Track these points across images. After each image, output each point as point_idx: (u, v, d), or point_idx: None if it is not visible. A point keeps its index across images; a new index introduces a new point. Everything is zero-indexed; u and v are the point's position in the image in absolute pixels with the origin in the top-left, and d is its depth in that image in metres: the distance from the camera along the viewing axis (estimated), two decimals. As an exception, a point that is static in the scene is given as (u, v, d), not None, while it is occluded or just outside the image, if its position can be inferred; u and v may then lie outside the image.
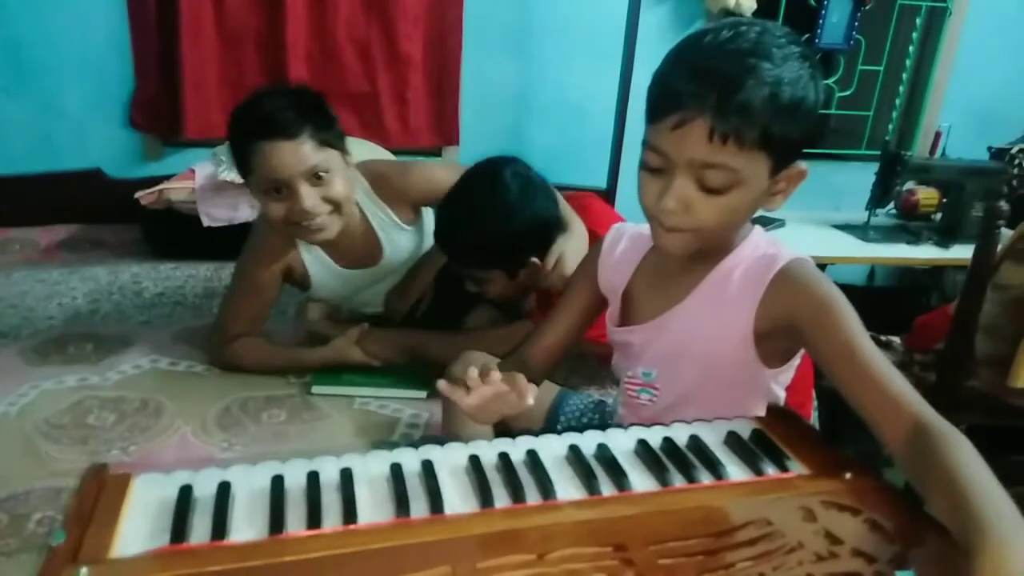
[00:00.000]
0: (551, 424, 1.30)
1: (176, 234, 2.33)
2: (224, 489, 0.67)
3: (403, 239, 1.72)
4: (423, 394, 1.56)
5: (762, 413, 0.97)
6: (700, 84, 0.79)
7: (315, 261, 1.66)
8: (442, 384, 0.89)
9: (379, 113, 2.79)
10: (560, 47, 2.82)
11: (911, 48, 3.08)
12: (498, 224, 1.42)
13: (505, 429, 1.25)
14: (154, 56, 2.57)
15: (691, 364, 0.99)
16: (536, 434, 0.82)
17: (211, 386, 1.57)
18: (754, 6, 2.72)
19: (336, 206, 1.49)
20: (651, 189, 0.87)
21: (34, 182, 2.60)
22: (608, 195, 2.54)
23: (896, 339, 2.14)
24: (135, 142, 2.70)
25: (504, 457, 0.76)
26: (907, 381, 0.79)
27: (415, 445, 0.78)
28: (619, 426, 0.95)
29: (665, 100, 0.82)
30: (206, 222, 2.26)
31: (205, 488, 0.68)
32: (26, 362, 1.63)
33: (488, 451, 0.78)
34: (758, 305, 0.91)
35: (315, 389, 1.55)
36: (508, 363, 1.08)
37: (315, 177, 1.43)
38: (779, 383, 1.01)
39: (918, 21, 3.04)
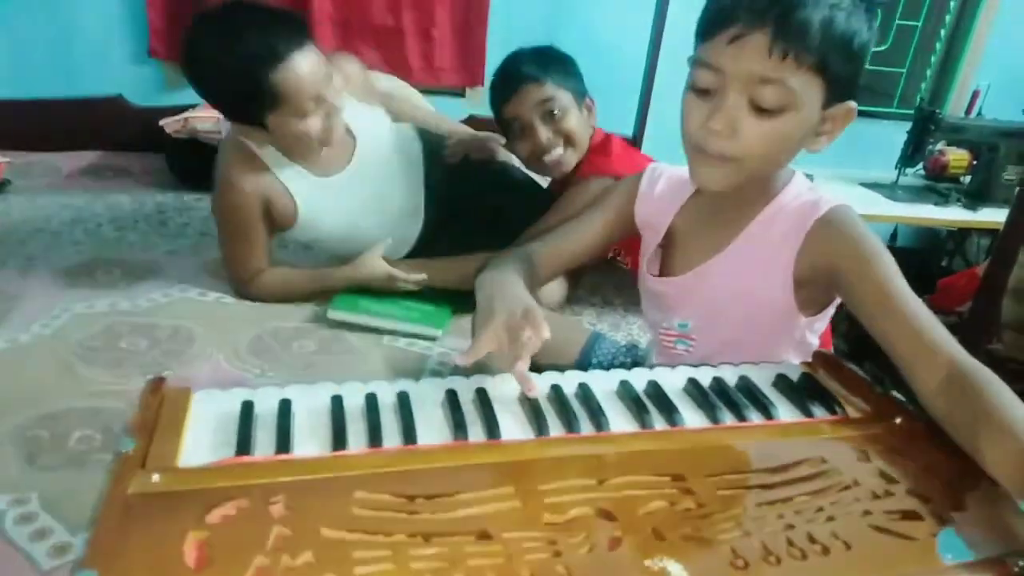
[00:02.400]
0: (583, 365, 1.31)
1: (201, 164, 2.31)
2: (285, 406, 0.68)
3: (367, 114, 1.71)
4: (438, 332, 1.56)
5: (796, 361, 0.98)
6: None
7: (294, 177, 1.59)
8: (459, 358, 0.80)
9: (402, 49, 2.74)
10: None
11: (952, 3, 2.99)
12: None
13: (536, 369, 1.25)
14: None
15: (730, 315, 0.98)
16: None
17: (241, 316, 1.58)
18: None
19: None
20: (698, 111, 0.84)
21: (55, 107, 2.57)
22: (635, 142, 2.50)
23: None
24: (157, 70, 2.66)
25: (556, 389, 0.77)
26: (940, 324, 0.78)
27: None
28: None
29: (723, 13, 0.81)
30: (231, 153, 2.23)
31: (265, 404, 0.68)
32: (56, 286, 1.64)
33: (540, 383, 0.78)
34: (798, 252, 0.90)
35: (331, 314, 1.56)
36: (514, 256, 1.02)
37: None
38: (813, 331, 1.00)
39: (961, -25, 2.95)
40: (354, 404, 0.70)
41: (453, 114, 2.80)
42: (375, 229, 1.69)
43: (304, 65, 1.42)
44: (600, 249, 1.13)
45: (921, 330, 0.77)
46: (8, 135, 2.40)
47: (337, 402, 0.69)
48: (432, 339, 1.55)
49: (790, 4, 0.77)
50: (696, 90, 0.85)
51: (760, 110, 0.81)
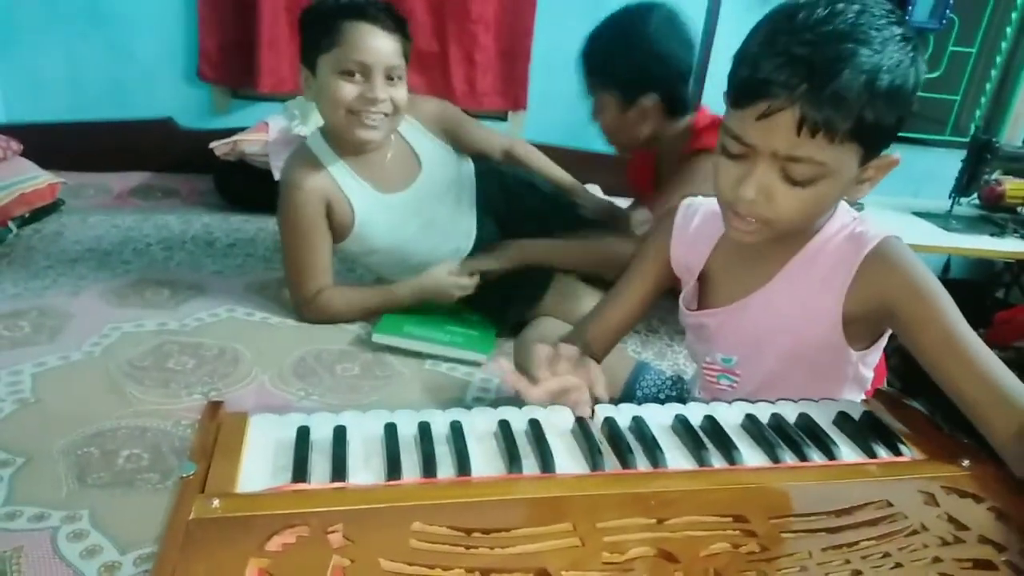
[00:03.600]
0: (628, 397, 1.29)
1: (248, 186, 2.36)
2: (340, 433, 0.68)
3: (437, 150, 1.74)
4: (483, 357, 1.55)
5: (850, 397, 0.95)
6: (791, 71, 0.73)
7: (355, 187, 1.62)
8: (509, 376, 0.81)
9: (447, 73, 2.77)
10: (636, 15, 2.75)
11: (1008, 30, 2.93)
12: (629, 41, 1.56)
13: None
14: (224, 10, 2.58)
15: (774, 350, 0.95)
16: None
17: (286, 337, 1.59)
18: (843, -21, 2.61)
19: (394, 111, 1.56)
20: (730, 175, 0.82)
21: (106, 128, 2.64)
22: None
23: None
24: (204, 93, 2.73)
25: (610, 422, 0.75)
26: (1012, 373, 0.75)
27: (494, 406, 0.77)
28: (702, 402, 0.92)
29: (751, 86, 0.77)
30: (278, 175, 2.27)
31: (320, 431, 0.68)
32: (107, 304, 1.67)
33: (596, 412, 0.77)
34: (848, 288, 0.87)
35: (376, 337, 1.56)
36: (569, 342, 1.03)
37: (389, 78, 1.53)
38: (866, 364, 0.97)
39: (1018, 2, 2.89)
40: (407, 433, 0.70)
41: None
42: (423, 253, 1.71)
43: (374, 34, 1.50)
44: (650, 305, 1.11)
45: (991, 376, 0.75)
46: (63, 156, 2.47)
47: (391, 430, 0.69)
48: (478, 364, 1.55)
49: (823, 77, 0.73)
50: (727, 154, 0.82)
51: (793, 181, 0.79)
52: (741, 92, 0.79)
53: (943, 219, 2.34)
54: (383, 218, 1.65)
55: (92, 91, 2.63)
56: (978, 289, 2.85)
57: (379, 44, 1.50)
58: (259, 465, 0.63)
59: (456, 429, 0.71)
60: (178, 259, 1.98)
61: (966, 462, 0.72)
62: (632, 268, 1.09)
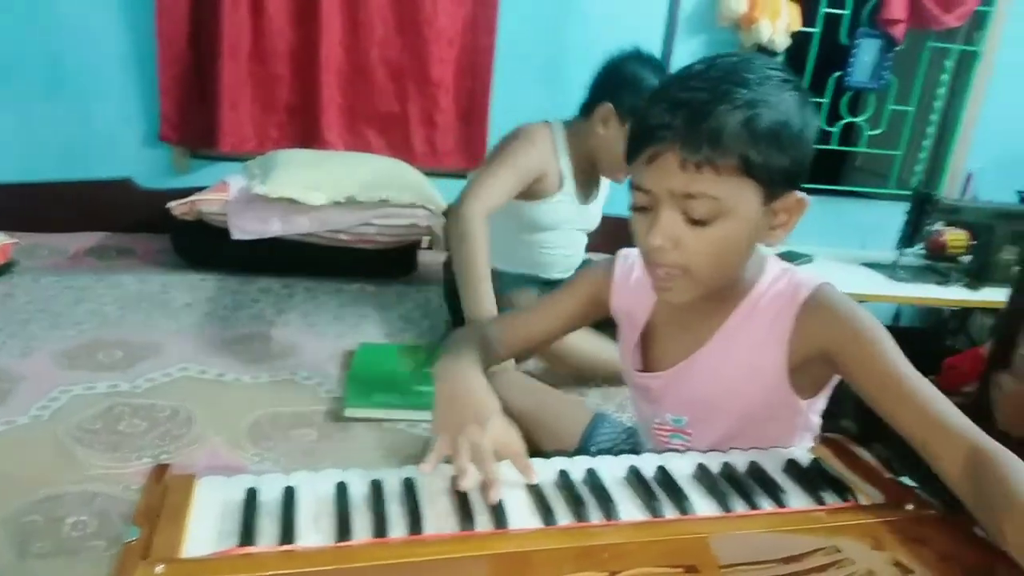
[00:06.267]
0: (584, 448, 1.28)
1: (206, 246, 2.35)
2: (290, 494, 0.67)
3: (604, 192, 2.02)
4: None
5: (802, 444, 0.96)
6: (672, 114, 0.77)
7: (567, 181, 1.86)
8: (424, 467, 0.75)
9: (407, 134, 2.82)
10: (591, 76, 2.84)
11: (941, 90, 3.09)
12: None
13: (536, 451, 1.24)
14: (184, 71, 2.61)
15: (724, 408, 0.95)
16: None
17: (240, 397, 1.57)
18: (787, 42, 2.74)
19: None
20: (641, 228, 0.84)
21: (63, 189, 2.63)
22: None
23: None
24: (163, 154, 2.73)
25: (564, 475, 0.76)
26: (954, 406, 0.76)
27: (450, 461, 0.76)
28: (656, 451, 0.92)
29: (640, 135, 0.81)
30: (236, 235, 2.27)
31: (269, 493, 0.67)
32: (57, 366, 1.63)
33: (547, 469, 0.77)
34: (789, 339, 0.87)
35: (349, 412, 1.54)
36: (473, 338, 0.99)
37: None
38: (815, 411, 0.97)
39: (948, 64, 3.06)
40: (359, 492, 0.69)
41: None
42: (556, 261, 2.00)
43: None
44: (565, 333, 1.10)
45: (936, 413, 0.76)
46: (17, 217, 2.44)
47: (341, 490, 0.68)
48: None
49: (697, 114, 0.76)
50: (637, 208, 0.85)
51: (694, 221, 0.80)
52: (633, 143, 0.83)
53: (890, 269, 2.42)
54: (564, 210, 1.90)
55: (50, 152, 2.62)
56: (927, 337, 2.93)
57: None
58: (206, 529, 0.62)
59: (409, 487, 0.70)
60: (132, 319, 1.96)
61: (910, 506, 0.74)
62: (567, 291, 1.08)
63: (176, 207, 2.32)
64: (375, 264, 2.40)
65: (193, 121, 2.66)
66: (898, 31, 2.82)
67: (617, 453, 1.24)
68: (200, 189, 2.41)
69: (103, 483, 1.23)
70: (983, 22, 2.98)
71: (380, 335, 1.99)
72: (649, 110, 0.80)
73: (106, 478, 1.25)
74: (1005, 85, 3.03)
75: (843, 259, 2.51)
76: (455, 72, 2.81)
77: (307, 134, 2.74)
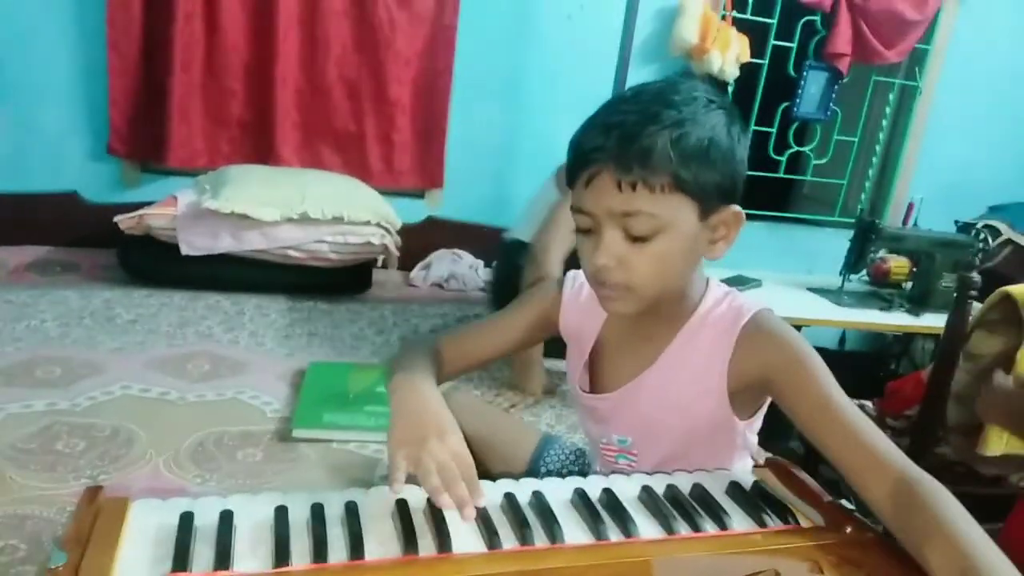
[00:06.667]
0: (533, 471, 1.28)
1: (153, 261, 2.29)
2: (227, 518, 0.65)
3: None
4: None
5: (741, 463, 0.98)
6: (604, 137, 0.80)
7: None
8: (395, 486, 0.74)
9: (364, 153, 2.82)
10: (548, 100, 2.88)
11: (884, 122, 3.21)
12: None
13: (485, 474, 1.23)
14: (135, 83, 2.57)
15: (668, 429, 0.97)
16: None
17: (184, 417, 1.53)
18: (736, 72, 2.82)
19: None
20: (586, 249, 0.86)
21: (5, 201, 2.55)
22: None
23: (868, 403, 2.17)
24: (112, 167, 2.67)
25: (510, 498, 0.75)
26: (884, 434, 0.79)
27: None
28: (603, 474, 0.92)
29: (577, 160, 0.83)
30: (185, 250, 2.22)
31: (206, 516, 0.66)
32: (-8, 383, 1.57)
33: (493, 491, 0.77)
34: (728, 362, 0.90)
35: (297, 433, 1.51)
36: (424, 351, 0.98)
37: None
38: (752, 431, 0.99)
39: (891, 97, 3.17)
40: (300, 516, 0.68)
41: (413, 216, 2.86)
42: None
43: None
44: (514, 351, 1.11)
45: (864, 441, 0.78)
46: (-45, 230, 2.36)
47: (281, 514, 0.67)
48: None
49: (626, 135, 0.79)
50: (581, 231, 0.87)
51: (636, 238, 0.83)
52: (571, 168, 0.85)
53: (835, 295, 2.47)
54: None
55: (-8, 163, 2.54)
56: (872, 361, 3.00)
57: None
58: (138, 554, 0.60)
59: (351, 510, 0.69)
60: (74, 336, 1.90)
61: (849, 529, 0.75)
62: (516, 310, 1.08)
63: (123, 221, 2.27)
64: (328, 282, 2.38)
65: (143, 134, 2.62)
66: (843, 64, 2.92)
67: (565, 475, 1.24)
68: (150, 204, 2.36)
69: (37, 505, 1.18)
70: (923, 59, 3.11)
71: (332, 354, 1.97)
72: (584, 135, 0.83)
73: (40, 500, 1.20)
74: (943, 119, 3.16)
75: (790, 284, 2.56)
76: (413, 92, 2.81)
77: (261, 150, 2.71)
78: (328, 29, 2.66)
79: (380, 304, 2.36)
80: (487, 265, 2.90)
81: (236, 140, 2.72)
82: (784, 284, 2.54)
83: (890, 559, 0.70)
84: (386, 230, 2.37)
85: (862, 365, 2.87)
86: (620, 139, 0.79)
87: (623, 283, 0.85)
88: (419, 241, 2.83)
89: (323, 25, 2.65)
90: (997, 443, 1.64)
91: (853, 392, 2.26)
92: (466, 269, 2.80)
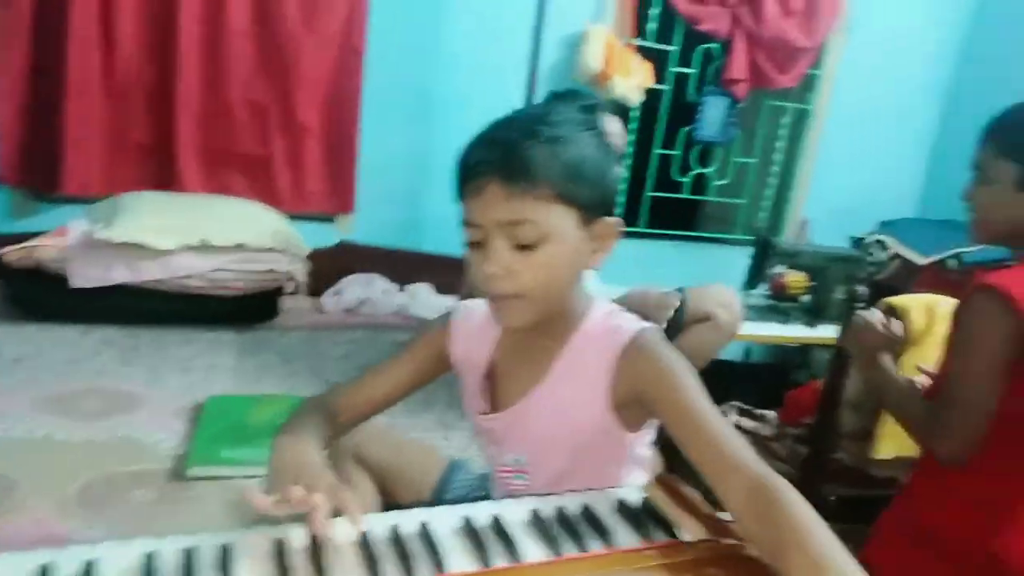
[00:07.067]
0: (439, 497, 1.27)
1: (43, 294, 2.18)
2: (90, 569, 0.62)
3: None
4: None
5: (633, 476, 1.00)
6: (488, 151, 0.86)
7: None
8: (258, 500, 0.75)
9: (271, 177, 2.77)
10: (460, 121, 2.86)
11: (780, 144, 3.37)
12: None
13: (394, 504, 1.21)
14: (25, 107, 2.45)
15: (559, 445, 0.98)
16: (425, 507, 0.80)
17: (72, 458, 1.45)
18: (640, 97, 2.91)
19: None
20: (476, 262, 0.89)
21: None
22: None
23: (771, 413, 2.25)
24: (3, 196, 2.53)
25: (395, 529, 0.74)
26: (746, 442, 0.82)
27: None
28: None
29: (463, 171, 0.88)
30: (76, 282, 2.13)
31: (67, 568, 0.62)
32: None
33: (379, 524, 0.76)
34: (611, 379, 0.93)
35: (192, 471, 1.46)
36: (314, 412, 0.98)
37: None
38: (643, 444, 1.02)
39: (785, 120, 3.33)
40: (169, 563, 0.65)
41: (324, 240, 2.82)
42: None
43: None
44: (408, 394, 1.09)
45: (724, 449, 0.80)
46: None
47: (150, 561, 0.64)
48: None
49: (510, 148, 0.84)
50: (471, 244, 0.90)
51: (523, 247, 0.87)
52: (459, 179, 0.89)
53: (738, 309, 2.56)
54: None
55: None
56: (776, 372, 3.11)
57: None
58: (-14, 614, 0.57)
59: (225, 553, 0.67)
60: (-48, 376, 1.78)
61: (727, 541, 0.78)
62: (407, 353, 1.08)
63: (10, 253, 2.16)
64: (231, 311, 2.31)
65: (35, 161, 2.49)
66: (740, 90, 3.05)
67: (472, 500, 1.24)
68: (40, 235, 2.24)
69: None
70: (814, 84, 3.29)
71: (234, 386, 1.91)
72: (470, 150, 0.88)
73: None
74: (834, 140, 3.34)
75: (697, 300, 2.63)
76: (321, 114, 2.79)
77: (163, 176, 2.62)
78: (231, 50, 2.61)
79: (288, 332, 2.31)
80: (401, 288, 2.88)
81: (136, 166, 2.62)
82: (690, 301, 2.60)
83: (767, 569, 0.72)
84: (293, 256, 2.33)
85: (766, 376, 2.97)
86: (504, 152, 0.84)
87: (513, 292, 0.88)
88: (331, 266, 2.79)
89: (226, 46, 2.60)
90: (888, 446, 1.73)
91: (759, 403, 2.34)
92: (379, 293, 2.77)
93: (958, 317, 1.19)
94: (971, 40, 3.36)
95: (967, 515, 1.18)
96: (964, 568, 1.19)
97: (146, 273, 2.14)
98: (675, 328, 2.04)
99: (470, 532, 0.76)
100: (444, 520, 0.78)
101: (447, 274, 2.66)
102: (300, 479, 0.79)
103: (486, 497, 1.22)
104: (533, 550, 0.74)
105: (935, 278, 2.86)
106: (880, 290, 2.14)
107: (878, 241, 2.97)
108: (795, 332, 2.52)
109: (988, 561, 1.16)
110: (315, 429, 0.94)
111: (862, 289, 1.80)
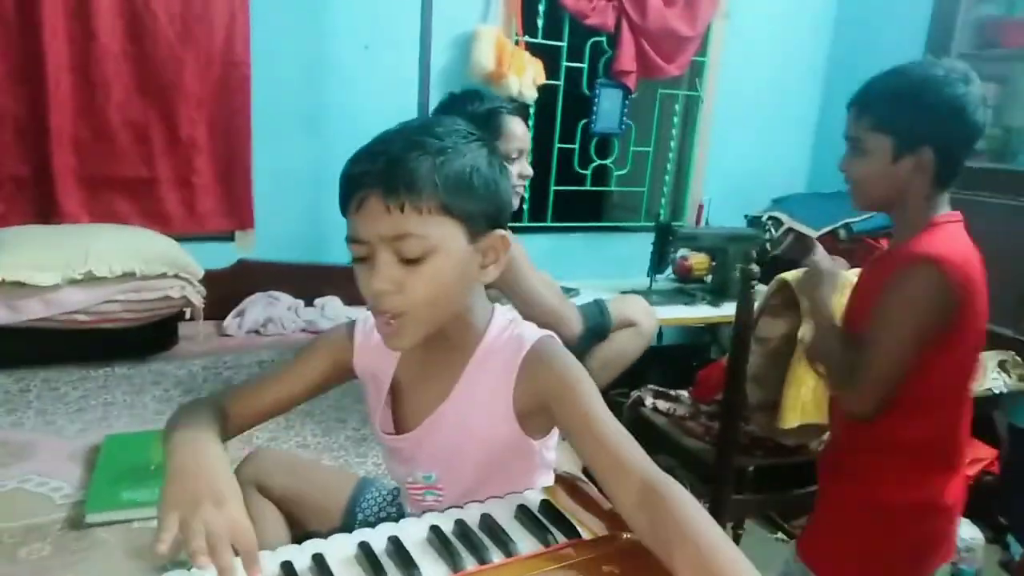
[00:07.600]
0: (350, 518, 1.24)
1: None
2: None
3: None
4: None
5: (543, 480, 1.01)
6: (371, 164, 0.83)
7: None
8: (159, 545, 0.73)
9: (159, 199, 2.65)
10: (353, 130, 2.79)
11: (674, 131, 3.46)
12: (925, 87, 1.29)
13: (303, 531, 1.18)
14: None
15: (469, 459, 0.98)
16: (336, 530, 0.78)
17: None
18: (535, 94, 2.93)
19: None
20: (363, 278, 0.87)
21: None
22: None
23: (684, 392, 2.31)
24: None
25: (287, 567, 0.72)
26: (638, 445, 0.83)
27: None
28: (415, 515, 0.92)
29: (346, 187, 0.86)
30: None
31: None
32: None
33: (271, 561, 0.73)
34: (513, 388, 0.93)
35: (90, 518, 1.38)
36: (209, 408, 0.94)
37: None
38: (549, 448, 1.02)
39: (677, 107, 3.42)
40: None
41: (222, 260, 2.72)
42: None
43: None
44: (304, 400, 1.06)
45: (614, 450, 0.81)
46: None
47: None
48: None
49: (392, 161, 0.82)
50: (357, 260, 0.87)
51: (408, 261, 0.84)
52: (342, 197, 0.86)
53: (645, 294, 2.61)
54: None
55: None
56: (688, 352, 3.20)
57: None
58: None
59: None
60: None
61: (627, 535, 0.79)
62: (305, 357, 1.05)
63: None
64: (125, 343, 2.20)
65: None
66: (630, 81, 3.11)
67: (384, 518, 1.22)
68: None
69: None
70: (701, 71, 3.38)
71: (132, 423, 1.82)
72: (352, 164, 0.85)
73: None
74: (725, 124, 3.45)
75: (606, 289, 2.68)
76: (209, 132, 2.69)
77: (42, 207, 2.48)
78: (106, 72, 2.48)
79: (188, 360, 2.22)
80: (308, 304, 2.82)
81: (12, 198, 2.47)
82: (600, 290, 2.65)
83: (642, 561, 0.74)
84: (187, 280, 2.24)
85: (679, 357, 3.05)
86: (387, 164, 0.82)
87: (400, 309, 0.86)
88: (231, 287, 2.70)
89: (100, 69, 2.47)
90: (792, 416, 1.79)
91: (673, 383, 2.40)
92: (284, 311, 2.70)
93: (896, 286, 1.23)
94: (841, 14, 3.53)
95: (903, 472, 1.29)
96: (899, 516, 1.29)
97: (29, 312, 2.01)
98: (602, 336, 2.12)
99: (369, 557, 0.74)
100: (339, 550, 0.76)
101: (354, 285, 2.61)
102: (203, 494, 0.75)
103: (399, 512, 1.21)
104: (432, 569, 0.74)
105: (829, 248, 2.98)
106: (778, 265, 2.23)
107: (772, 218, 3.10)
108: (701, 312, 2.61)
109: (924, 504, 1.28)
110: (211, 424, 0.89)
111: (755, 268, 1.86)
